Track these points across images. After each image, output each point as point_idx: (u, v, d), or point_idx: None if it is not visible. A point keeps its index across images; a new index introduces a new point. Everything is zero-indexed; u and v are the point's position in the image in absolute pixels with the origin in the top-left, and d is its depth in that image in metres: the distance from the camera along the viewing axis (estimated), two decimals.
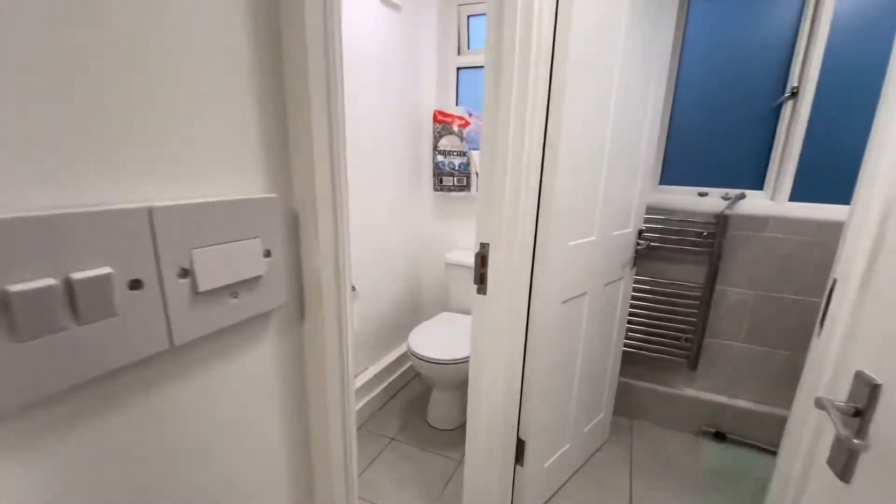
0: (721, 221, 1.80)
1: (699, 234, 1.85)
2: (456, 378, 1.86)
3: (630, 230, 1.62)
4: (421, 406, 2.20)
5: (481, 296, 1.18)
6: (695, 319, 1.93)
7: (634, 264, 1.74)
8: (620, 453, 1.91)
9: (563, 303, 1.37)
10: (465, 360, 1.79)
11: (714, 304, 1.91)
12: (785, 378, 1.89)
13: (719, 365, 1.98)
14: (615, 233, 1.53)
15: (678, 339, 1.97)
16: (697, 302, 1.91)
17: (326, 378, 0.59)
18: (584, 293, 1.48)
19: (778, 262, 1.80)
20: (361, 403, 2.02)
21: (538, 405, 1.40)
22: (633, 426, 2.10)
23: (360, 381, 2.03)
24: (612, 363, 1.82)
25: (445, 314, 2.23)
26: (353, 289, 1.77)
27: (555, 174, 1.16)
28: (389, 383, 2.23)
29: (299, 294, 0.57)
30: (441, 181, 2.22)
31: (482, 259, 1.16)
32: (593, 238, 1.41)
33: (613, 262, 1.58)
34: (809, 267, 1.76)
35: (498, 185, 1.09)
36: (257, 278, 0.48)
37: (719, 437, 1.99)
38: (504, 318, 1.20)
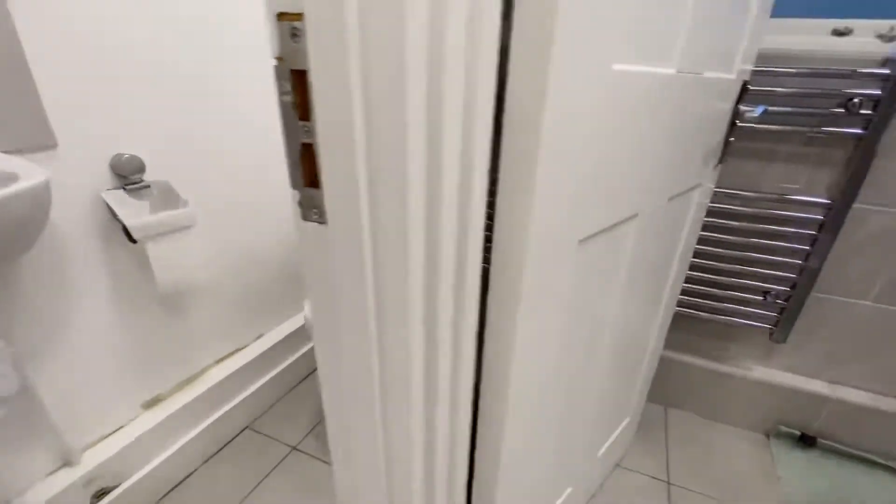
0: (894, 76, 0.91)
1: (842, 103, 0.96)
2: None
3: (732, 76, 0.74)
4: None
5: (313, 225, 0.35)
6: (799, 262, 1.11)
7: (724, 157, 0.88)
8: (651, 469, 1.20)
9: (584, 241, 0.55)
10: None
11: (841, 237, 1.08)
12: None
13: (823, 336, 1.20)
14: (708, 73, 0.65)
15: (762, 294, 1.17)
16: (811, 233, 1.08)
17: None
18: (633, 216, 0.64)
19: None
20: (244, 395, 1.27)
21: (515, 459, 0.64)
22: (669, 419, 1.38)
23: (240, 360, 1.27)
24: (657, 335, 1.04)
25: None
26: (182, 203, 0.93)
27: None
28: (294, 361, 1.47)
29: None
30: None
31: (295, 87, 0.30)
32: (672, 71, 0.54)
33: (694, 141, 0.73)
34: None
35: None
36: None
37: (806, 441, 1.27)
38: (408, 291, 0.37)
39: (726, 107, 0.78)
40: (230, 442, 1.25)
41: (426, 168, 0.31)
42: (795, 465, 1.23)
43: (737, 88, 0.78)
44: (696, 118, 0.69)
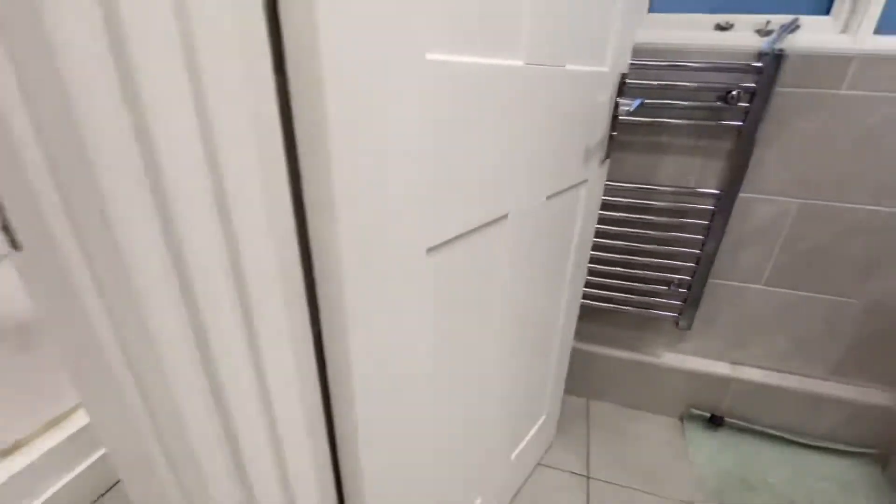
0: (767, 69, 0.95)
1: (721, 96, 0.99)
2: None
3: (605, 69, 0.73)
4: None
5: (18, 253, 0.28)
6: (697, 252, 1.15)
7: (609, 153, 0.87)
8: (572, 464, 1.21)
9: (432, 250, 0.51)
10: None
11: (732, 226, 1.12)
12: (822, 333, 1.19)
13: (723, 320, 1.25)
14: (572, 66, 0.64)
15: (666, 283, 1.20)
16: (705, 222, 1.11)
17: None
18: (502, 217, 0.61)
19: (855, 144, 1.00)
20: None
21: (387, 479, 0.59)
22: (591, 411, 1.39)
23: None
24: (563, 330, 1.03)
25: None
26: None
27: None
28: None
29: None
30: None
31: None
32: (519, 63, 0.51)
33: (571, 137, 0.71)
34: None
35: None
36: None
37: (715, 421, 1.32)
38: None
39: (604, 101, 0.77)
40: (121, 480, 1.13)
41: (140, 155, 0.25)
42: (705, 445, 1.27)
43: (614, 82, 0.78)
44: (566, 113, 0.67)
